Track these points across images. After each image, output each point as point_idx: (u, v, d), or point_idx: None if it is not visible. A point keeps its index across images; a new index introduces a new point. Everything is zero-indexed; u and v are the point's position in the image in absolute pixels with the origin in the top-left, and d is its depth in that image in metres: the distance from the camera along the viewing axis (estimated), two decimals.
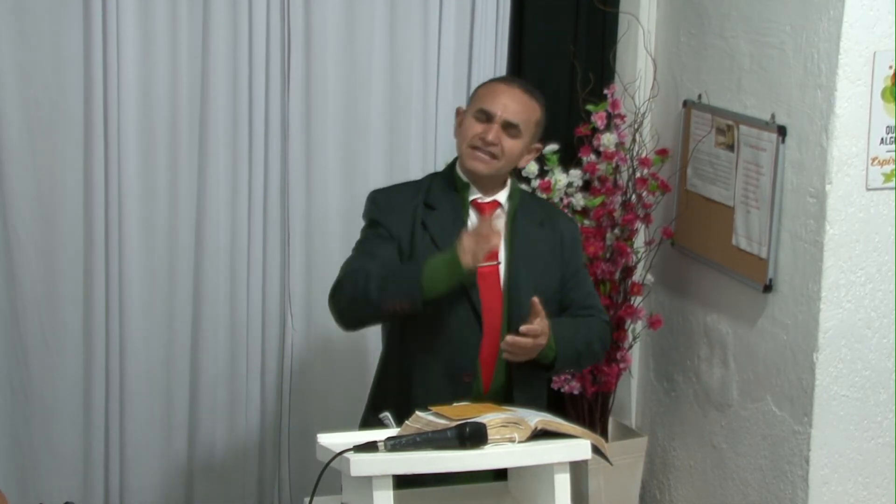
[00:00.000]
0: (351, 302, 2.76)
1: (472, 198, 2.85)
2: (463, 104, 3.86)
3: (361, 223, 3.77)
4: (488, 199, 2.86)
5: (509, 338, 2.68)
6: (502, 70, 3.88)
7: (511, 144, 2.80)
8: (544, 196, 3.72)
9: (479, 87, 2.94)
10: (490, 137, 2.77)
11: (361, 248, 2.86)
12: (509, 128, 2.80)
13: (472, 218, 2.83)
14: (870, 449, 3.32)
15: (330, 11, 3.68)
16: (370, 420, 2.76)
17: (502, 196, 2.88)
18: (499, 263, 2.80)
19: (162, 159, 3.61)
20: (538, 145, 2.92)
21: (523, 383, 2.81)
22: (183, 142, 3.62)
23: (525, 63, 3.88)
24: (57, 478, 3.63)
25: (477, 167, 2.81)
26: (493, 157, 2.79)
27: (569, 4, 3.88)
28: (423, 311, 2.69)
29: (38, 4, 3.41)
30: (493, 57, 3.87)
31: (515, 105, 2.81)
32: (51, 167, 3.50)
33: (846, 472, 3.29)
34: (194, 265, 3.69)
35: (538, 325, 2.68)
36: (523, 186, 3.77)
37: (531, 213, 2.90)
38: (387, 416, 2.50)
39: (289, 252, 3.77)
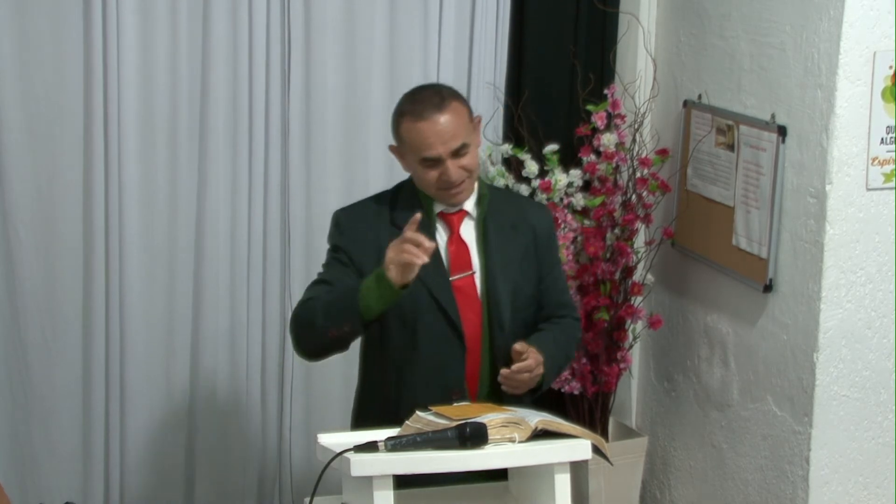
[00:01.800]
0: (303, 330, 2.71)
1: (437, 210, 2.75)
2: None
3: None
4: (454, 210, 2.76)
5: (504, 371, 2.63)
6: (502, 70, 3.88)
7: (468, 160, 2.69)
8: (544, 196, 3.72)
9: (399, 127, 2.70)
10: (454, 178, 2.66)
11: (320, 276, 2.78)
12: (460, 150, 2.66)
13: (441, 235, 2.75)
14: (870, 449, 3.32)
15: (330, 11, 3.69)
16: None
17: (469, 203, 2.77)
18: (473, 273, 2.74)
19: (162, 159, 3.61)
20: (475, 121, 2.77)
21: (510, 394, 2.75)
22: (183, 142, 3.62)
23: (525, 63, 3.88)
24: (57, 478, 3.63)
25: (459, 200, 2.72)
26: (466, 179, 2.70)
27: (569, 4, 3.88)
28: (366, 332, 2.66)
29: (38, 4, 3.41)
30: (493, 57, 3.87)
31: (449, 132, 2.64)
32: (51, 167, 3.50)
33: (846, 472, 3.29)
34: (194, 265, 3.70)
35: (532, 360, 2.63)
36: (522, 187, 3.78)
37: (501, 215, 2.80)
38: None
39: (289, 252, 3.77)
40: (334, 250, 2.78)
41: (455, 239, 2.75)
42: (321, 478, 2.37)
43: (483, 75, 3.87)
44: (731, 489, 3.59)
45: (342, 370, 3.80)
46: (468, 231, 2.77)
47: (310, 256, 3.78)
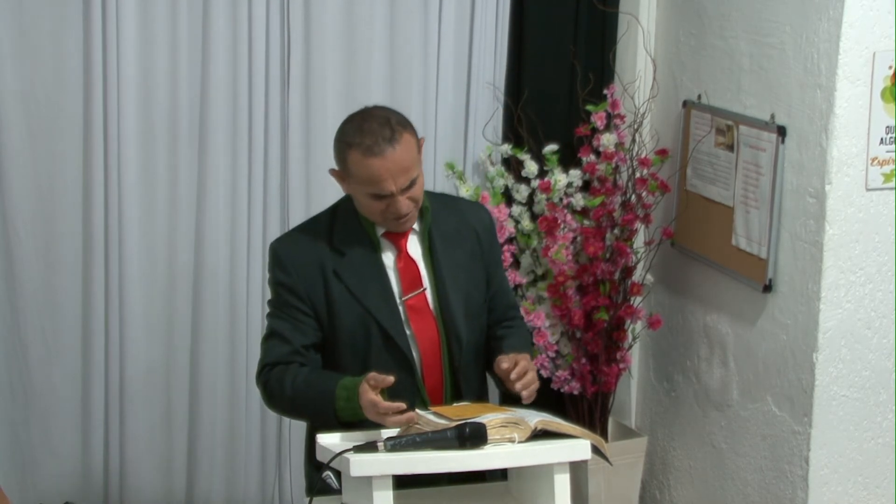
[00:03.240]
0: (277, 410, 2.73)
1: (381, 232, 2.67)
2: (461, 106, 3.89)
3: None
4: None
5: (515, 381, 2.57)
6: (502, 70, 3.88)
7: (416, 191, 2.58)
8: (543, 196, 3.73)
9: (347, 157, 2.56)
10: (403, 211, 2.57)
11: (273, 325, 2.68)
12: (410, 185, 2.57)
13: (388, 254, 2.67)
14: (870, 449, 3.32)
15: (330, 11, 3.69)
16: (314, 479, 2.55)
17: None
18: (424, 290, 2.68)
19: (162, 159, 3.61)
20: (420, 144, 2.64)
21: (474, 400, 2.72)
22: (183, 141, 3.62)
23: (525, 63, 3.88)
24: (57, 478, 3.64)
25: (404, 229, 2.65)
26: (414, 209, 2.62)
27: (569, 4, 3.88)
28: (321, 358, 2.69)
29: (38, 4, 3.41)
30: (493, 57, 3.88)
31: (400, 167, 2.53)
32: (51, 167, 3.50)
33: (846, 472, 3.29)
34: (194, 265, 3.70)
35: (524, 362, 2.59)
36: (522, 187, 3.78)
37: (444, 224, 2.73)
38: (329, 475, 2.44)
39: None
40: (280, 289, 2.67)
41: (403, 257, 2.68)
42: (320, 477, 2.37)
43: (483, 75, 3.87)
44: (731, 489, 3.59)
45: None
46: (414, 246, 2.70)
47: None
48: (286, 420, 3.84)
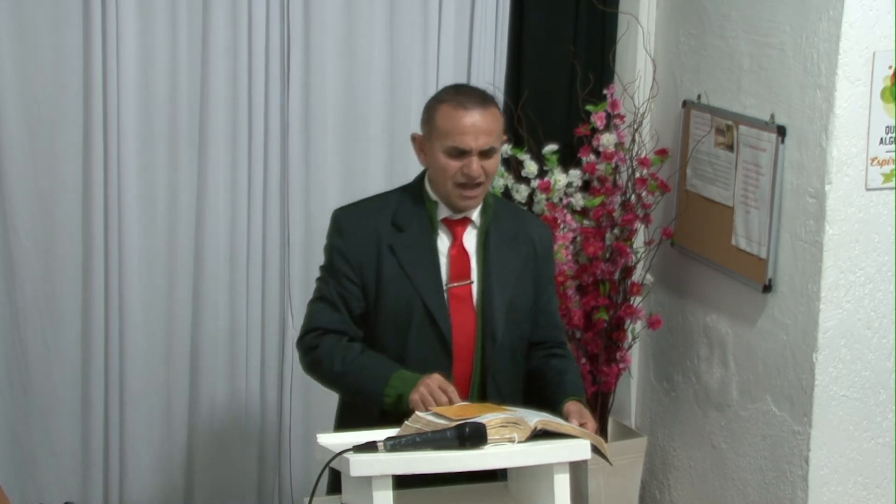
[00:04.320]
0: (316, 377, 2.77)
1: (441, 216, 2.75)
2: None
3: None
4: (459, 217, 2.75)
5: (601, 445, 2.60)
6: (502, 70, 3.88)
7: (491, 165, 2.68)
8: (543, 196, 3.72)
9: (435, 111, 2.68)
10: (474, 173, 2.63)
11: (323, 289, 2.75)
12: (489, 153, 2.66)
13: (444, 240, 2.74)
14: (870, 449, 3.32)
15: (330, 11, 3.69)
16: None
17: (474, 212, 2.76)
18: (471, 283, 2.73)
19: (162, 159, 3.61)
20: (503, 137, 2.79)
21: (498, 400, 2.75)
22: (183, 141, 3.62)
23: (525, 63, 3.88)
24: (57, 478, 3.64)
25: (469, 205, 2.71)
26: (483, 183, 2.68)
27: (569, 4, 3.88)
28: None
29: (37, 4, 3.41)
30: (492, 57, 3.87)
31: (484, 129, 2.63)
32: (51, 167, 3.50)
33: (846, 472, 3.30)
34: (194, 265, 3.70)
35: (590, 422, 2.62)
36: (522, 187, 3.78)
37: (504, 225, 2.79)
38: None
39: (289, 252, 3.77)
40: (334, 253, 2.76)
41: (457, 245, 2.74)
42: (321, 478, 2.38)
43: (483, 75, 3.86)
44: (731, 489, 3.59)
45: None
46: (470, 239, 2.76)
47: (309, 256, 3.78)
48: (286, 420, 3.84)
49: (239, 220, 3.71)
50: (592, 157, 3.76)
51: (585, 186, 3.82)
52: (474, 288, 2.74)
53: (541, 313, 2.86)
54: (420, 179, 2.79)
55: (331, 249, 2.77)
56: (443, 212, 2.74)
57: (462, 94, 2.67)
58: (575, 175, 3.79)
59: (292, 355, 3.82)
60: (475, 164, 2.64)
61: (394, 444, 2.30)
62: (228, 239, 3.70)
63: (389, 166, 3.82)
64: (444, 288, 2.71)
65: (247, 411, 3.81)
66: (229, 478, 3.83)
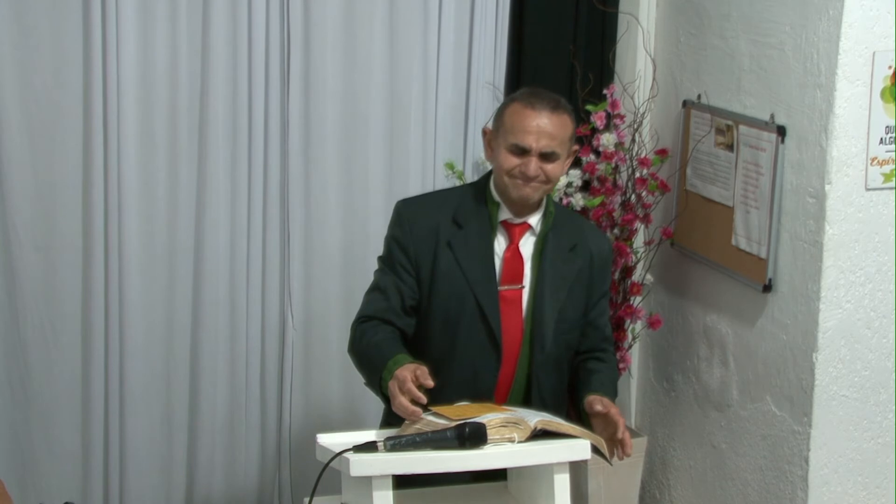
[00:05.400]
0: (351, 356, 2.81)
1: (502, 218, 2.77)
2: (461, 106, 3.89)
3: (361, 227, 3.79)
4: (519, 221, 2.77)
5: (628, 445, 2.63)
6: (502, 70, 3.88)
7: (552, 168, 2.71)
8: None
9: (505, 109, 2.76)
10: (531, 173, 2.68)
11: (379, 279, 2.80)
12: (549, 156, 2.70)
13: (501, 242, 2.76)
14: (870, 449, 3.32)
15: (330, 11, 3.68)
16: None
17: (534, 218, 2.78)
18: (523, 288, 2.75)
19: (162, 159, 3.61)
20: (574, 148, 2.83)
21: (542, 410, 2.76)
22: (183, 141, 3.62)
23: (525, 63, 3.88)
24: (57, 478, 3.64)
25: (525, 193, 2.71)
26: (541, 182, 2.71)
27: (569, 4, 3.88)
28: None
29: (38, 4, 3.41)
30: (493, 57, 3.87)
31: (548, 132, 2.68)
32: (51, 166, 3.50)
33: (846, 472, 3.29)
34: (194, 265, 3.70)
35: (619, 419, 2.65)
36: None
37: (562, 235, 2.81)
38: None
39: (289, 252, 3.77)
40: (392, 244, 2.80)
41: (513, 249, 2.76)
42: (321, 478, 2.38)
43: (483, 75, 3.87)
44: (731, 489, 3.59)
45: (342, 371, 3.80)
46: (527, 245, 2.78)
47: (309, 256, 3.78)
48: (286, 420, 3.84)
49: (239, 219, 3.71)
50: (592, 156, 3.76)
51: (585, 186, 3.82)
52: (525, 293, 2.75)
53: (589, 326, 2.88)
54: (486, 179, 2.83)
55: (390, 240, 2.81)
56: (504, 213, 2.77)
57: (535, 97, 2.72)
58: (575, 175, 3.79)
59: (292, 355, 3.82)
60: (533, 164, 2.68)
61: (394, 444, 2.30)
62: (228, 238, 3.70)
63: (389, 166, 3.82)
64: (497, 289, 2.73)
65: (247, 411, 3.81)
66: (229, 478, 3.83)
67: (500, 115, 2.77)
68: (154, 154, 3.60)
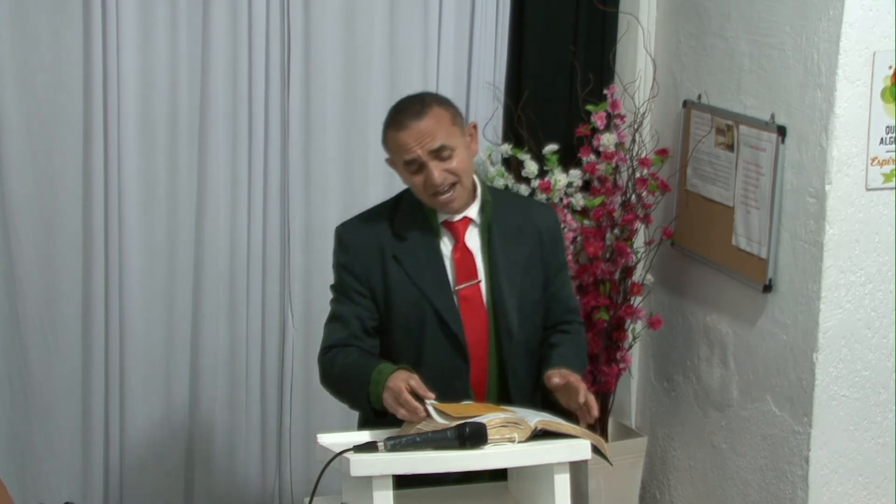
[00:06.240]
0: (326, 388, 2.78)
1: (441, 219, 2.75)
2: (461, 106, 3.89)
3: None
4: (459, 218, 2.75)
5: (592, 410, 2.60)
6: (502, 70, 3.88)
7: (456, 161, 2.67)
8: (543, 196, 3.72)
9: (385, 139, 2.75)
10: (437, 180, 2.64)
11: (336, 309, 2.78)
12: (440, 152, 2.65)
13: (446, 243, 2.74)
14: (870, 449, 3.32)
15: (330, 11, 3.69)
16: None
17: (473, 210, 2.75)
18: (479, 282, 2.73)
19: (162, 159, 3.61)
20: (470, 127, 2.77)
21: (519, 402, 2.74)
22: (183, 141, 3.62)
23: (525, 63, 3.88)
24: (57, 477, 3.64)
25: (451, 208, 2.70)
26: (453, 185, 2.68)
27: (569, 4, 3.88)
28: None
29: (38, 4, 3.41)
30: (492, 57, 3.87)
31: (426, 133, 2.64)
32: (51, 167, 3.50)
33: (846, 472, 3.29)
34: (194, 265, 3.70)
35: (580, 385, 2.61)
36: (522, 187, 3.78)
37: (506, 219, 2.79)
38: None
39: (289, 252, 3.77)
40: (341, 271, 2.77)
41: (460, 247, 2.74)
42: (321, 478, 2.38)
43: (483, 75, 3.87)
44: (731, 489, 3.59)
45: None
46: (473, 238, 2.76)
47: (309, 256, 3.78)
48: (286, 420, 3.84)
49: (239, 219, 3.71)
50: (592, 157, 3.76)
51: (586, 186, 3.82)
52: (483, 287, 2.74)
53: (552, 300, 2.85)
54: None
55: (338, 267, 2.78)
56: (442, 214, 2.74)
57: (400, 113, 2.70)
58: (575, 175, 3.79)
59: (292, 355, 3.82)
60: (435, 173, 2.64)
61: (394, 444, 2.30)
62: (229, 238, 3.70)
63: (389, 167, 3.82)
64: (453, 291, 2.71)
65: (247, 411, 3.81)
66: (229, 478, 3.83)
67: (385, 145, 2.76)
68: (154, 153, 3.60)
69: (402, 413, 2.48)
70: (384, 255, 2.71)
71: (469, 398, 2.69)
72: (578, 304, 3.08)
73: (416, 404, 2.46)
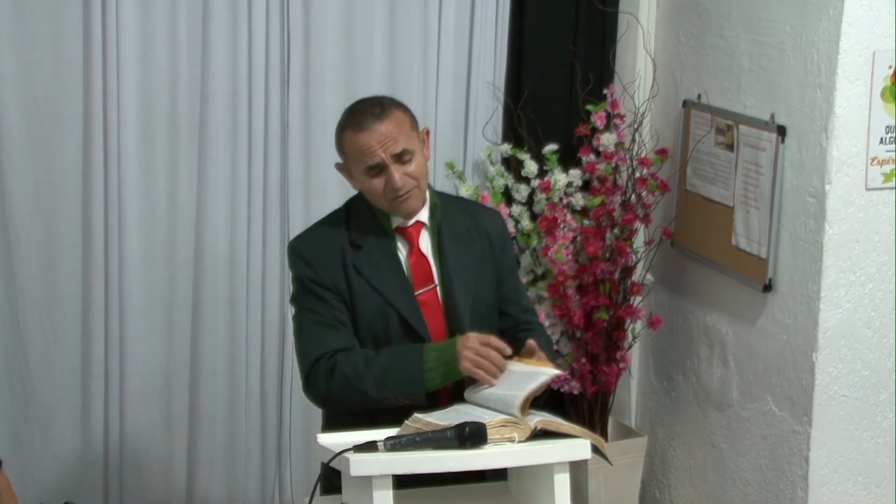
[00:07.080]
0: (345, 396, 2.66)
1: (395, 225, 2.72)
2: (461, 106, 3.90)
3: None
4: (411, 223, 2.72)
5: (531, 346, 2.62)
6: (502, 69, 3.88)
7: (413, 167, 2.65)
8: (543, 196, 3.73)
9: (341, 140, 2.69)
10: (398, 184, 2.62)
11: (313, 317, 2.69)
12: (402, 156, 2.63)
13: (401, 247, 2.72)
14: (869, 449, 3.32)
15: (329, 11, 3.69)
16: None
17: (424, 215, 2.73)
18: (435, 286, 2.72)
19: (162, 159, 3.61)
20: (423, 133, 2.74)
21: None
22: (183, 142, 3.62)
23: (525, 63, 3.88)
24: (57, 478, 3.64)
25: (412, 208, 2.68)
26: (414, 188, 2.66)
27: (569, 4, 3.89)
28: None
29: (38, 4, 3.41)
30: (492, 57, 3.88)
31: (389, 136, 2.62)
32: (51, 167, 3.50)
33: (846, 472, 3.30)
34: (194, 265, 3.70)
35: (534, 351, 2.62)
36: (522, 186, 3.78)
37: (454, 222, 2.77)
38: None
39: None
40: (310, 284, 2.70)
41: (415, 252, 2.72)
42: (321, 478, 2.38)
43: (483, 75, 3.87)
44: (731, 489, 3.59)
45: None
46: (425, 242, 2.74)
47: None
48: (286, 420, 3.84)
49: (239, 219, 3.71)
50: (592, 156, 3.76)
51: (585, 186, 3.82)
52: (438, 291, 2.72)
53: (506, 302, 2.84)
54: (361, 195, 2.75)
55: (304, 280, 2.71)
56: (395, 220, 2.72)
57: (358, 115, 2.65)
58: (575, 175, 3.79)
59: (292, 355, 3.81)
60: (396, 176, 2.62)
61: (394, 444, 2.30)
62: (228, 238, 3.70)
63: None
64: (414, 296, 2.70)
65: (247, 411, 3.81)
66: (229, 478, 3.83)
67: (340, 148, 2.71)
68: (154, 154, 3.60)
69: (480, 374, 2.50)
70: (346, 265, 2.68)
71: (436, 397, 2.64)
72: (532, 303, 3.07)
73: (501, 358, 2.50)
